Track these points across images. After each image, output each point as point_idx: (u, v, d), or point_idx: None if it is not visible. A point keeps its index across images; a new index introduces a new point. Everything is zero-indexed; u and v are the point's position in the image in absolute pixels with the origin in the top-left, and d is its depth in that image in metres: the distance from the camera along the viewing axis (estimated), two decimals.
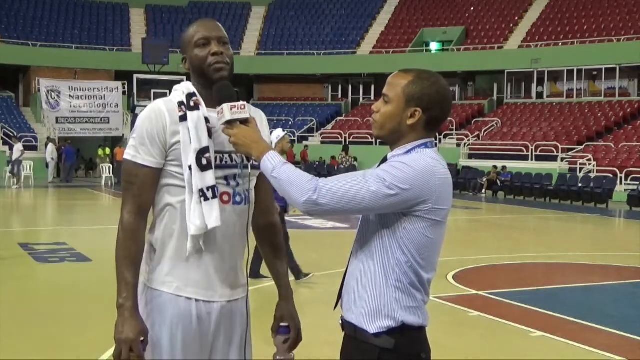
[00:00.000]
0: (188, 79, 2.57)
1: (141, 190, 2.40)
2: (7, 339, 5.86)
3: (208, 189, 2.37)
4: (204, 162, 2.37)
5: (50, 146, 27.46)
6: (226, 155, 2.45)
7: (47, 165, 27.27)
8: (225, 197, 2.44)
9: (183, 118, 2.40)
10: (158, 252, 2.44)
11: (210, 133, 2.40)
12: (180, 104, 2.43)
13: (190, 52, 2.46)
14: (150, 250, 2.47)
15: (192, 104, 2.42)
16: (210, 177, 2.37)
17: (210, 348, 2.45)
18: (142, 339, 2.32)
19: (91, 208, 19.46)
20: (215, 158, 2.42)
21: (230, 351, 2.50)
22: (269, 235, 2.68)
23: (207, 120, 2.41)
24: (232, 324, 2.49)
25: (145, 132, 2.38)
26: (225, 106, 2.32)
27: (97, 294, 7.54)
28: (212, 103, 2.44)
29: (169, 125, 2.39)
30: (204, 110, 2.42)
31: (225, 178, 2.44)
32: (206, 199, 2.36)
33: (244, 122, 2.33)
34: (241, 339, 2.53)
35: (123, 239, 2.38)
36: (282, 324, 2.60)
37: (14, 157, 25.56)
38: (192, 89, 2.47)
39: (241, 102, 2.33)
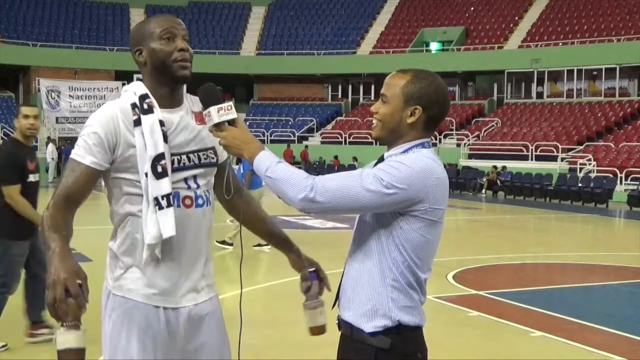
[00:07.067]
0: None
1: (76, 184, 2.30)
2: (7, 339, 5.85)
3: (163, 197, 2.31)
4: (159, 169, 2.31)
5: (50, 146, 27.50)
6: (184, 156, 2.39)
7: (47, 165, 27.29)
8: (188, 202, 2.39)
9: (137, 122, 2.32)
10: (123, 260, 2.38)
11: (165, 137, 2.34)
12: (134, 106, 2.35)
13: (151, 44, 2.37)
14: (114, 257, 2.42)
15: (145, 106, 2.35)
16: (165, 185, 2.32)
17: (181, 352, 2.42)
18: (79, 282, 2.05)
19: (91, 208, 19.24)
20: (173, 161, 2.36)
21: (202, 353, 2.46)
22: (247, 204, 2.70)
23: (161, 123, 2.34)
24: (201, 327, 2.46)
25: (99, 131, 2.29)
26: (213, 109, 2.28)
27: (97, 294, 7.52)
28: (166, 102, 2.39)
29: (122, 129, 2.32)
30: (158, 113, 2.35)
31: (185, 180, 2.40)
32: (161, 207, 2.31)
33: (231, 122, 2.30)
34: (219, 340, 2.50)
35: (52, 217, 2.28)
36: (310, 270, 2.64)
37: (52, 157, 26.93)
38: (144, 90, 2.39)
39: (227, 103, 2.30)
